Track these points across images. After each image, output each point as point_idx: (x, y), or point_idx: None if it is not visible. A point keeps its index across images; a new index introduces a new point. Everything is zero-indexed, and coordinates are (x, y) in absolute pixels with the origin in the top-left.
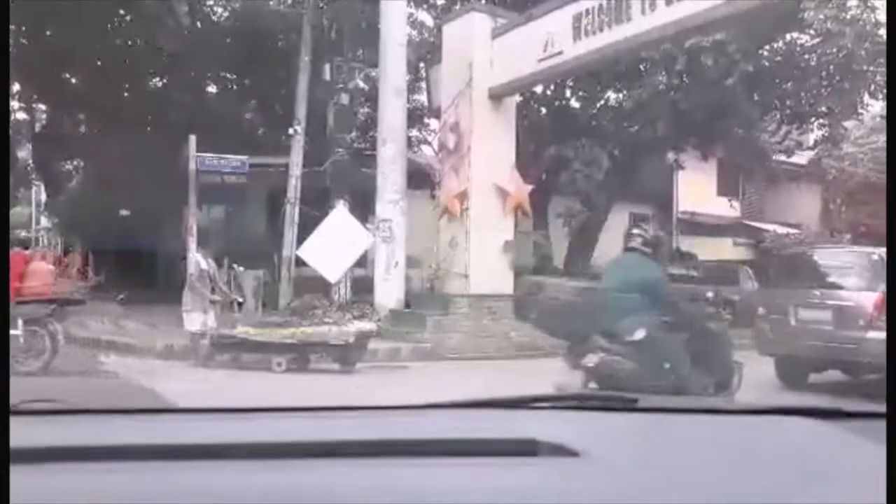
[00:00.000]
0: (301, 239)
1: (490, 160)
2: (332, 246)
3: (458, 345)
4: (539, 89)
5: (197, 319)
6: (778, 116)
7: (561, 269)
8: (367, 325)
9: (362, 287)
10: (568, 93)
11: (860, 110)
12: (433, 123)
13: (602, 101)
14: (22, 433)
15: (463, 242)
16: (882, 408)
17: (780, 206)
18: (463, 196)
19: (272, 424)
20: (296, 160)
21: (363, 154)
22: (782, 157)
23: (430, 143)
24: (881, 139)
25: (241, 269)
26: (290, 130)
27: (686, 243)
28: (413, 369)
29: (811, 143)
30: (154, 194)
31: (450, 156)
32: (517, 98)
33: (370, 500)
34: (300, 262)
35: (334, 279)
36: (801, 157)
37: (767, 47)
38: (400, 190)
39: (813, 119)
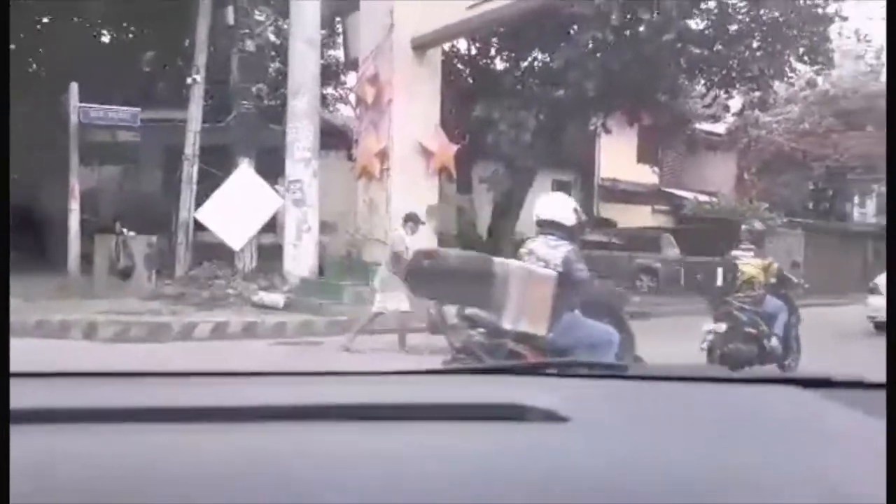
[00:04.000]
0: (200, 201)
1: (412, 117)
2: (236, 209)
3: (379, 317)
4: (464, 48)
5: (394, 298)
6: (704, 81)
7: (484, 237)
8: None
9: (270, 254)
10: (493, 52)
11: (789, 74)
12: (350, 80)
13: (528, 62)
14: (19, 395)
15: (383, 206)
16: (867, 377)
17: (698, 173)
18: (383, 155)
19: (254, 388)
20: (195, 114)
21: (272, 108)
22: (702, 125)
23: (347, 102)
24: (795, 109)
25: (132, 234)
26: (189, 80)
27: (606, 210)
28: (328, 344)
29: (739, 107)
30: (33, 150)
31: (368, 111)
32: (441, 56)
33: (353, 463)
34: (200, 227)
35: (238, 245)
36: (719, 126)
37: (697, 10)
38: (312, 148)
39: (740, 84)
